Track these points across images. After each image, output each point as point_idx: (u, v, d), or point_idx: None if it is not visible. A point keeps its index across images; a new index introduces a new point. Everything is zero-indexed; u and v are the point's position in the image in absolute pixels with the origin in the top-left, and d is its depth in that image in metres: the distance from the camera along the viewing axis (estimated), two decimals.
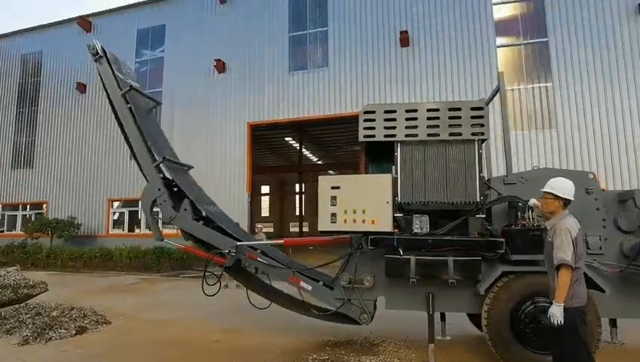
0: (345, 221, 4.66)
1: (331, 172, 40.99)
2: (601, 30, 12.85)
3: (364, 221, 4.61)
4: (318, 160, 35.05)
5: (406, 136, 4.72)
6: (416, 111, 4.75)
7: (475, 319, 5.92)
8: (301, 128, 23.73)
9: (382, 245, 4.63)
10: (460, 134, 4.65)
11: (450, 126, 4.67)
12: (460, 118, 4.66)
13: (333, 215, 4.70)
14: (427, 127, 4.70)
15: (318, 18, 15.95)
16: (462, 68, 14.00)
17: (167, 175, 6.05)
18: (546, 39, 13.44)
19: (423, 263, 4.57)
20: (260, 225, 11.83)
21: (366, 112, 4.85)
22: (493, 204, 4.71)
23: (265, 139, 24.97)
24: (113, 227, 17.96)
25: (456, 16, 14.25)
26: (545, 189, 3.54)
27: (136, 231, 17.82)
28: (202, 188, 6.36)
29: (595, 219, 4.67)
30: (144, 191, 5.85)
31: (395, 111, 4.79)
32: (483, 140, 4.69)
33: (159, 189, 5.70)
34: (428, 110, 4.74)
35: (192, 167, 6.64)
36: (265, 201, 42.73)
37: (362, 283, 5.00)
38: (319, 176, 4.85)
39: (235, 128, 16.25)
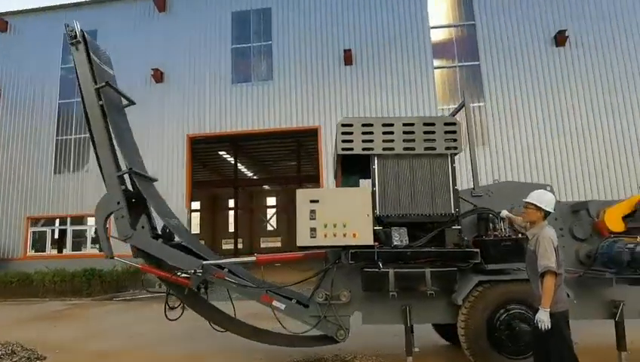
0: (325, 235, 4.54)
1: (266, 187, 40.90)
2: (525, 56, 14.19)
3: (345, 235, 4.52)
4: (253, 175, 34.58)
5: (383, 149, 4.77)
6: (392, 125, 4.82)
7: (441, 329, 6.08)
8: (237, 142, 23.27)
9: (362, 259, 4.58)
10: (435, 148, 4.79)
11: (425, 140, 4.79)
12: (434, 132, 4.81)
13: (313, 229, 4.57)
14: (403, 140, 4.78)
15: (262, 32, 15.86)
16: (402, 86, 14.64)
17: (129, 186, 5.54)
18: (478, 62, 14.53)
19: (402, 276, 4.58)
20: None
21: (344, 125, 4.82)
22: (467, 215, 4.89)
23: (198, 153, 24.13)
24: (32, 248, 16.10)
25: (397, 37, 14.93)
26: (528, 200, 3.73)
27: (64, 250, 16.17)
28: (165, 201, 5.92)
29: (554, 228, 5.01)
30: (101, 203, 5.29)
31: (372, 125, 4.82)
32: (456, 154, 4.87)
33: (118, 203, 5.18)
34: (404, 124, 4.83)
35: (157, 180, 6.15)
36: (195, 218, 41.07)
37: (339, 298, 4.90)
38: (297, 190, 4.70)
39: (174, 140, 15.48)
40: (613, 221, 4.82)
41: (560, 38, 13.92)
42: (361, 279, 4.71)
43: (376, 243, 4.60)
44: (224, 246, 39.76)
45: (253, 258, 5.20)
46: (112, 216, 5.25)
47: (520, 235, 4.64)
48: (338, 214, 4.55)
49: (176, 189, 14.99)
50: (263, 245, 40.76)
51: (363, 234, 4.52)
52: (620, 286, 4.65)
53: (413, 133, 4.79)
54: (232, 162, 28.14)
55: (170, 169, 15.25)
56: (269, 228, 42.22)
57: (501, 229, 4.67)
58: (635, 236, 4.50)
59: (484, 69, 14.43)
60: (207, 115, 15.50)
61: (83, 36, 5.58)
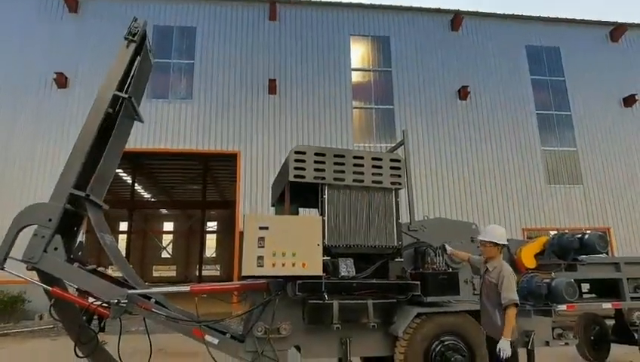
0: (273, 265, 4.35)
1: (164, 211, 38.40)
2: (434, 106, 15.72)
3: (294, 264, 4.38)
4: (151, 197, 32.41)
5: (334, 179, 4.81)
6: (343, 156, 4.91)
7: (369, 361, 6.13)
8: (136, 160, 21.73)
9: (309, 290, 4.46)
10: (381, 182, 4.96)
11: (373, 174, 4.95)
12: (381, 167, 5.00)
13: (260, 258, 4.36)
14: (353, 173, 4.88)
15: (184, 49, 15.32)
16: (322, 120, 15.14)
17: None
18: (392, 106, 15.66)
19: (345, 307, 4.57)
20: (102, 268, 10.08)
21: (297, 152, 4.78)
22: (409, 248, 5.09)
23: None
24: None
25: (321, 73, 15.51)
26: (485, 239, 4.01)
27: None
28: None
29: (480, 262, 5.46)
30: (30, 210, 4.56)
31: (324, 155, 4.85)
32: (400, 189, 5.09)
33: (50, 220, 4.44)
34: (354, 157, 4.94)
35: (108, 208, 5.36)
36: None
37: (278, 332, 4.69)
38: (246, 215, 4.48)
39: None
40: (528, 258, 5.42)
41: (463, 92, 15.76)
42: (305, 311, 4.59)
43: (324, 274, 4.54)
44: (112, 273, 35.97)
45: (187, 288, 4.77)
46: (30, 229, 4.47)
47: (452, 269, 4.97)
48: (288, 243, 4.42)
49: None
50: (158, 274, 37.79)
51: (312, 264, 4.43)
52: (534, 318, 5.17)
53: (362, 165, 4.93)
54: (130, 182, 26.10)
55: None
56: (165, 254, 39.43)
57: (438, 263, 4.94)
58: (548, 272, 5.08)
59: (397, 113, 15.59)
60: None
61: (142, 40, 5.13)
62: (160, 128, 14.42)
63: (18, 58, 14.36)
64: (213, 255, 39.45)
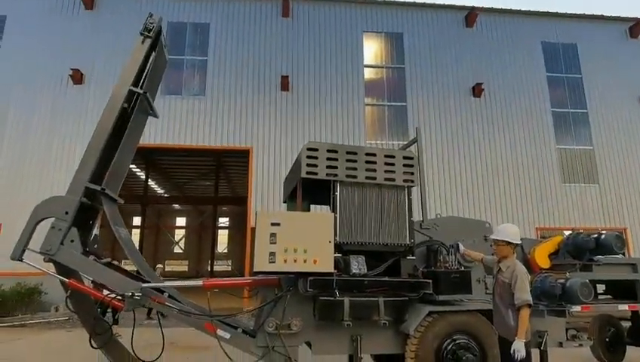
0: (285, 261, 4.37)
1: (177, 206, 38.77)
2: (448, 104, 15.57)
3: (305, 261, 4.38)
4: (164, 193, 32.74)
5: (346, 176, 4.80)
6: (355, 153, 4.89)
7: (380, 359, 6.12)
8: (149, 156, 21.94)
9: (321, 286, 4.47)
10: (394, 180, 4.94)
11: (386, 171, 4.93)
12: (393, 164, 4.97)
13: (272, 254, 4.37)
14: (365, 170, 4.86)
15: (197, 46, 15.41)
16: (334, 117, 15.12)
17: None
18: (405, 103, 15.56)
19: (356, 305, 4.56)
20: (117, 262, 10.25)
21: (309, 149, 4.78)
22: (421, 246, 5.06)
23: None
24: None
25: (333, 70, 15.48)
26: (498, 238, 3.96)
27: None
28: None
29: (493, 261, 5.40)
30: (47, 203, 4.67)
31: (336, 152, 4.84)
32: (412, 186, 5.06)
33: (67, 213, 4.53)
34: (366, 154, 4.92)
35: (123, 202, 5.45)
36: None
37: (289, 328, 4.70)
38: (258, 211, 4.49)
39: None
40: (542, 258, 5.35)
41: (477, 89, 15.59)
42: (316, 307, 4.60)
43: (335, 271, 4.54)
44: (126, 267, 36.50)
45: (199, 282, 4.82)
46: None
47: (464, 268, 4.93)
48: (299, 239, 4.42)
49: None
50: (170, 269, 38.21)
51: (324, 261, 4.43)
52: (547, 318, 5.11)
53: (375, 163, 4.91)
54: (143, 177, 26.39)
55: None
56: (177, 249, 39.84)
57: (451, 262, 4.90)
58: (563, 272, 5.01)
59: (410, 111, 15.49)
60: None
61: (157, 36, 5.17)
62: (173, 124, 14.55)
63: (34, 55, 14.61)
64: (225, 250, 39.71)
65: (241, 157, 17.54)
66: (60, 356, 7.40)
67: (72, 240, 4.58)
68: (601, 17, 18.09)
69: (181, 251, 39.85)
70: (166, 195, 33.37)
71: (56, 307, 12.41)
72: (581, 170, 16.59)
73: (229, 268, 37.67)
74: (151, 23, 5.19)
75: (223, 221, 39.40)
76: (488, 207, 15.06)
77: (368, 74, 15.99)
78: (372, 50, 16.41)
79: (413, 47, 16.31)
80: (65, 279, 4.65)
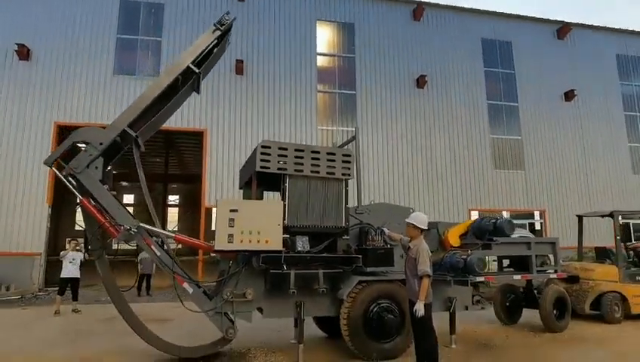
0: (241, 241, 5.24)
1: (125, 183, 37.88)
2: (394, 94, 16.72)
3: (258, 241, 5.28)
4: (111, 169, 31.89)
5: (295, 170, 5.69)
6: (303, 151, 5.78)
7: (321, 323, 7.21)
8: None
9: (271, 262, 5.38)
10: (334, 173, 5.89)
11: (328, 166, 5.86)
12: (334, 160, 5.91)
13: (231, 235, 5.22)
14: (311, 165, 5.77)
15: (151, 26, 15.43)
16: (287, 102, 15.85)
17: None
18: (354, 92, 16.54)
19: (301, 276, 5.55)
20: (74, 241, 10.58)
21: (263, 146, 5.61)
22: (354, 228, 6.09)
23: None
24: None
25: (287, 55, 16.09)
26: (409, 221, 5.01)
27: None
28: None
29: None
30: (89, 130, 5.58)
31: (286, 149, 5.70)
32: (349, 179, 6.04)
33: (101, 143, 5.36)
34: (312, 152, 5.83)
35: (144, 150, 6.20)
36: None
37: (245, 296, 5.59)
38: (219, 200, 5.31)
39: (38, 127, 13.97)
40: (453, 238, 6.56)
41: (421, 81, 16.86)
42: (267, 279, 5.53)
43: (283, 249, 5.47)
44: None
45: (172, 234, 5.69)
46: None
47: (389, 246, 6.03)
48: (254, 223, 5.30)
49: (36, 181, 13.57)
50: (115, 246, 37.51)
51: (274, 241, 5.35)
52: (454, 287, 6.36)
53: (319, 159, 5.82)
54: None
55: (30, 159, 13.71)
56: None
57: (377, 241, 5.98)
58: (466, 249, 6.24)
59: (359, 99, 16.50)
60: (81, 102, 14.40)
61: (227, 31, 6.13)
62: (127, 104, 14.59)
63: None
64: (176, 228, 39.55)
65: (193, 137, 17.85)
66: (21, 331, 7.82)
67: (97, 167, 5.39)
68: (534, 19, 19.83)
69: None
70: (114, 172, 32.64)
71: (7, 286, 12.53)
72: (510, 158, 18.47)
73: (180, 246, 37.63)
74: (226, 20, 6.10)
75: (173, 199, 39.18)
76: (426, 191, 16.54)
77: (321, 62, 16.75)
78: (325, 38, 17.12)
79: (363, 37, 17.20)
80: (80, 196, 5.40)
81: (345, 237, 5.95)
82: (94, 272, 5.75)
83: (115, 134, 5.51)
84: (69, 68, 14.50)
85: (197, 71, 6.01)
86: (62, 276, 9.69)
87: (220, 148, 15.06)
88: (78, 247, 10.05)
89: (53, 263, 12.87)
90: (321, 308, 5.95)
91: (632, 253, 9.75)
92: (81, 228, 6.46)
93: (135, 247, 6.47)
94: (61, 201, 36.76)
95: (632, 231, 14.28)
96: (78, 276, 9.83)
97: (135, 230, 5.31)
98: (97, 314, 9.07)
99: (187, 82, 6.06)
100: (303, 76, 16.16)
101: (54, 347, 6.55)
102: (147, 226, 5.49)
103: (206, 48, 6.19)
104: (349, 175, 5.99)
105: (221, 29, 6.13)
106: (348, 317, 5.69)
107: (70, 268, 9.68)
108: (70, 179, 5.37)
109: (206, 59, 6.27)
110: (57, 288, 9.82)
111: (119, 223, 5.32)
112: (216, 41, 6.25)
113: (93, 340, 6.95)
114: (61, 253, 10.10)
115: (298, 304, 5.72)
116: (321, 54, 16.72)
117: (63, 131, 14.42)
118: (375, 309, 5.79)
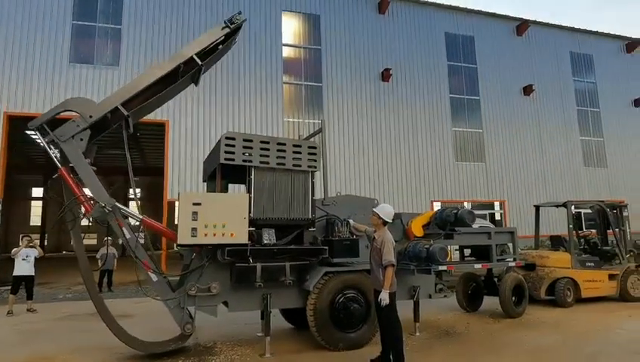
0: (205, 234, 5.14)
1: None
2: (359, 87, 16.82)
3: (223, 234, 5.20)
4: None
5: (260, 162, 5.62)
6: (268, 143, 5.72)
7: (287, 315, 7.22)
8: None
9: (236, 255, 5.32)
10: (300, 166, 5.87)
11: (294, 158, 5.84)
12: (300, 153, 5.89)
13: (194, 229, 5.12)
14: (277, 157, 5.73)
15: (110, 13, 14.78)
16: (253, 93, 15.62)
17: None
18: (320, 84, 16.52)
19: (267, 269, 5.51)
20: (27, 237, 10.06)
21: (227, 138, 5.51)
22: (321, 220, 6.10)
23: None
24: None
25: (252, 45, 15.83)
26: (376, 210, 5.07)
27: None
28: None
29: None
30: (81, 100, 5.63)
31: (252, 141, 5.63)
32: (315, 171, 6.04)
33: (91, 116, 5.27)
34: (277, 143, 5.78)
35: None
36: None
37: (210, 290, 5.51)
38: (181, 193, 5.17)
39: None
40: (417, 228, 6.70)
41: (386, 74, 17.03)
42: (233, 272, 5.47)
43: (249, 242, 5.41)
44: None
45: (140, 217, 5.58)
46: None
47: (355, 237, 6.09)
48: (218, 216, 5.21)
49: None
50: None
51: (239, 234, 5.29)
52: (418, 275, 6.51)
53: (284, 151, 5.78)
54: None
55: None
56: (85, 222, 37.63)
57: (343, 232, 6.02)
58: (429, 239, 6.39)
59: (325, 91, 16.50)
60: (34, 92, 13.66)
61: (236, 30, 6.26)
62: (84, 95, 14.00)
63: None
64: (137, 222, 38.47)
65: (155, 129, 17.33)
66: None
67: (82, 139, 5.30)
68: (494, 15, 20.40)
69: (89, 224, 37.79)
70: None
71: None
72: (472, 151, 19.02)
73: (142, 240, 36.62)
74: (237, 19, 6.19)
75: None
76: (391, 183, 16.80)
77: (287, 53, 16.60)
78: (291, 29, 16.97)
79: (329, 29, 17.16)
80: (59, 165, 5.31)
81: (311, 229, 5.95)
82: (49, 270, 5.53)
83: (108, 110, 5.49)
84: (20, 55, 13.71)
85: (200, 63, 6.04)
86: (15, 274, 9.24)
87: (183, 141, 14.70)
88: (31, 244, 9.62)
89: (4, 261, 12.22)
90: (288, 300, 5.96)
91: (583, 240, 10.31)
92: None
93: (95, 243, 6.31)
94: (12, 196, 35.12)
95: (583, 221, 15.04)
96: (33, 274, 9.41)
97: (109, 208, 5.26)
98: (54, 313, 8.73)
99: (188, 72, 6.08)
100: (269, 67, 15.98)
101: (13, 347, 6.25)
102: (122, 207, 5.45)
103: (211, 43, 6.24)
104: (316, 167, 5.99)
105: (230, 27, 6.24)
106: (314, 308, 5.72)
107: (24, 266, 9.24)
108: (52, 147, 5.31)
109: (209, 54, 6.34)
110: (10, 287, 9.37)
111: (96, 199, 5.29)
112: (223, 37, 6.32)
113: (52, 339, 6.66)
114: (13, 250, 9.61)
115: (264, 296, 5.69)
116: (286, 45, 16.55)
117: (14, 122, 13.67)
118: (341, 299, 5.84)
